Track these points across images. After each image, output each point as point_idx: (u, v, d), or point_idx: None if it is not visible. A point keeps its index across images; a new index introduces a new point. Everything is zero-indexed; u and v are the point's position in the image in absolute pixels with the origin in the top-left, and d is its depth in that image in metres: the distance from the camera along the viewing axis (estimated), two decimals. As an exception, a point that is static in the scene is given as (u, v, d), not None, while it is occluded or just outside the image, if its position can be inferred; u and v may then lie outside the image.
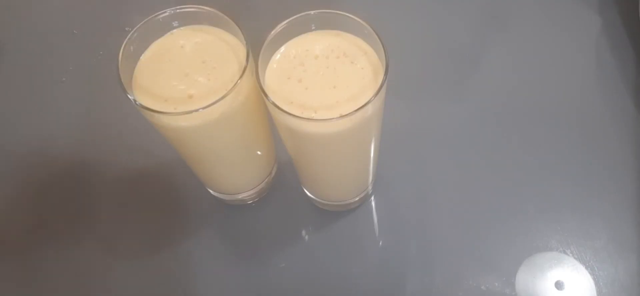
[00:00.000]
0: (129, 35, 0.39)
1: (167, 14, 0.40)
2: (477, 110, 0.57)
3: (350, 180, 0.48)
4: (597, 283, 0.47)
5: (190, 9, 0.40)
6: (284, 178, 0.55)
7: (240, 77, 0.37)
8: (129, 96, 0.37)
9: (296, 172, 0.50)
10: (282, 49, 0.40)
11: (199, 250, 0.51)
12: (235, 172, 0.49)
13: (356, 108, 0.35)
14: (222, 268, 0.50)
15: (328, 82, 0.38)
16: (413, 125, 0.57)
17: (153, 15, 0.40)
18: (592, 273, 0.47)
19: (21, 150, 0.59)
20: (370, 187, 0.52)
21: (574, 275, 0.47)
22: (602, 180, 0.52)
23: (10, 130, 0.61)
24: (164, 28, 0.41)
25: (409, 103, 0.58)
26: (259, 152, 0.49)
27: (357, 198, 0.51)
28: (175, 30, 0.41)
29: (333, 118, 0.35)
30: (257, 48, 0.38)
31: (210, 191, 0.53)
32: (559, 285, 0.47)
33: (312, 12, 0.39)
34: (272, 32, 0.38)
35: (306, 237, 0.52)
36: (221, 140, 0.42)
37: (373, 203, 0.53)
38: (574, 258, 0.48)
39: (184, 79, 0.39)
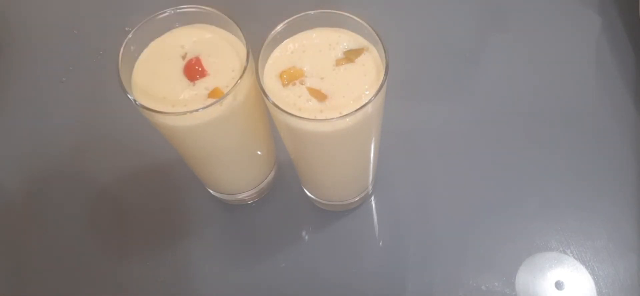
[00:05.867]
0: (129, 35, 0.39)
1: (167, 14, 0.40)
2: (477, 110, 0.57)
3: (351, 179, 0.48)
4: (597, 283, 0.47)
5: (190, 8, 0.40)
6: (284, 178, 0.55)
7: (241, 77, 0.37)
8: (129, 96, 0.37)
9: (296, 172, 0.50)
10: (282, 48, 0.40)
11: (199, 250, 0.51)
12: (235, 172, 0.49)
13: (356, 108, 0.35)
14: (222, 268, 0.50)
15: (328, 81, 0.38)
16: (413, 125, 0.57)
17: (153, 15, 0.40)
18: (592, 273, 0.47)
19: (21, 150, 0.59)
20: (370, 187, 0.52)
21: (574, 275, 0.47)
22: (602, 180, 0.52)
23: (10, 130, 0.61)
24: (164, 28, 0.41)
25: (409, 103, 0.58)
26: (259, 152, 0.49)
27: (357, 198, 0.51)
28: (174, 30, 0.41)
29: (333, 118, 0.35)
30: (257, 48, 0.38)
31: (210, 191, 0.53)
32: (559, 285, 0.47)
33: (312, 12, 0.39)
34: (272, 32, 0.38)
35: (306, 237, 0.52)
36: (221, 140, 0.42)
37: (373, 203, 0.53)
38: (574, 258, 0.48)
39: (184, 79, 0.39)
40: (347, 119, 0.35)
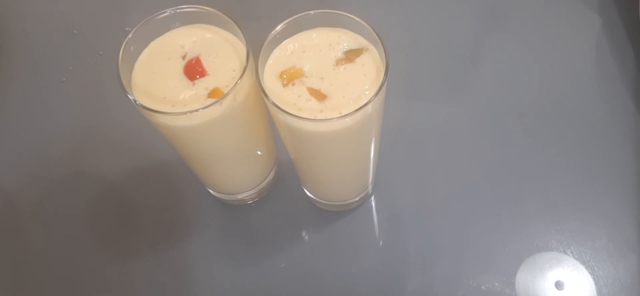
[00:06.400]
0: (129, 35, 0.39)
1: (167, 13, 0.40)
2: (477, 110, 0.57)
3: (351, 179, 0.48)
4: (597, 283, 0.47)
5: (190, 8, 0.40)
6: (284, 178, 0.55)
7: (240, 77, 0.37)
8: (129, 96, 0.37)
9: (296, 172, 0.50)
10: (282, 48, 0.40)
11: (199, 250, 0.51)
12: (235, 172, 0.49)
13: (356, 108, 0.35)
14: (222, 268, 0.50)
15: (328, 81, 0.38)
16: (413, 125, 0.57)
17: (153, 15, 0.40)
18: (592, 273, 0.47)
19: (21, 150, 0.59)
20: (370, 187, 0.52)
21: (574, 275, 0.47)
22: (602, 180, 0.52)
23: (11, 129, 0.61)
24: (164, 28, 0.41)
25: (409, 103, 0.58)
26: (259, 152, 0.49)
27: (357, 198, 0.51)
28: (174, 30, 0.41)
29: (333, 118, 0.35)
30: (257, 48, 0.38)
31: (210, 191, 0.53)
32: (559, 285, 0.47)
33: (312, 12, 0.39)
34: (272, 32, 0.38)
35: (306, 237, 0.52)
36: (221, 140, 0.42)
37: (373, 203, 0.53)
38: (574, 258, 0.48)
39: (184, 79, 0.39)
40: (347, 119, 0.35)
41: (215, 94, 0.38)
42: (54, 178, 0.56)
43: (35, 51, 0.67)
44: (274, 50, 0.39)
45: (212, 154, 0.44)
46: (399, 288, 0.48)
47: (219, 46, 0.40)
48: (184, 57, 0.40)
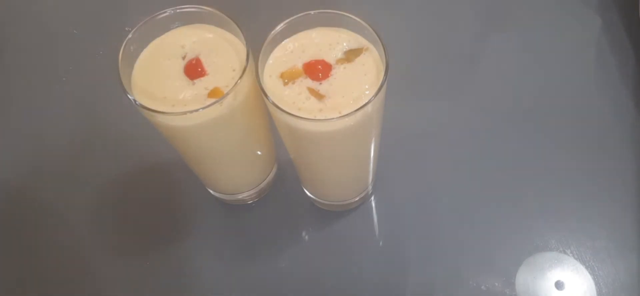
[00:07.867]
0: (129, 35, 0.39)
1: (167, 13, 0.40)
2: (477, 110, 0.57)
3: (351, 179, 0.48)
4: (597, 283, 0.47)
5: (190, 8, 0.40)
6: (284, 178, 0.55)
7: (240, 77, 0.37)
8: (129, 96, 0.37)
9: (296, 172, 0.50)
10: (282, 47, 0.40)
11: (199, 250, 0.51)
12: (235, 172, 0.49)
13: (356, 108, 0.35)
14: (222, 268, 0.50)
15: (328, 81, 0.38)
16: (413, 125, 0.57)
17: (153, 15, 0.40)
18: (592, 273, 0.47)
19: (21, 150, 0.59)
20: (370, 187, 0.52)
21: (574, 275, 0.47)
22: (602, 180, 0.52)
23: (11, 129, 0.61)
24: (164, 28, 0.41)
25: (409, 103, 0.58)
26: (259, 152, 0.49)
27: (357, 198, 0.51)
28: (174, 30, 0.41)
29: (333, 118, 0.35)
30: (257, 48, 0.38)
31: (210, 191, 0.53)
32: (559, 285, 0.47)
33: (312, 12, 0.39)
34: (272, 32, 0.38)
35: (306, 237, 0.52)
36: (221, 140, 0.42)
37: (373, 203, 0.53)
38: (574, 258, 0.48)
39: (184, 79, 0.39)
40: (347, 119, 0.35)
41: (215, 94, 0.38)
42: (53, 177, 0.56)
43: (35, 51, 0.67)
44: (274, 50, 0.39)
45: (212, 154, 0.44)
46: (399, 288, 0.48)
47: (219, 46, 0.40)
48: (184, 57, 0.40)
